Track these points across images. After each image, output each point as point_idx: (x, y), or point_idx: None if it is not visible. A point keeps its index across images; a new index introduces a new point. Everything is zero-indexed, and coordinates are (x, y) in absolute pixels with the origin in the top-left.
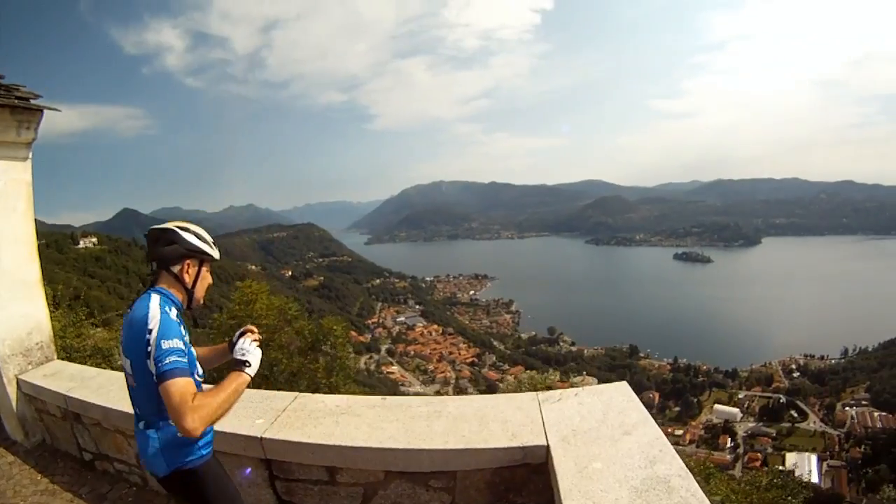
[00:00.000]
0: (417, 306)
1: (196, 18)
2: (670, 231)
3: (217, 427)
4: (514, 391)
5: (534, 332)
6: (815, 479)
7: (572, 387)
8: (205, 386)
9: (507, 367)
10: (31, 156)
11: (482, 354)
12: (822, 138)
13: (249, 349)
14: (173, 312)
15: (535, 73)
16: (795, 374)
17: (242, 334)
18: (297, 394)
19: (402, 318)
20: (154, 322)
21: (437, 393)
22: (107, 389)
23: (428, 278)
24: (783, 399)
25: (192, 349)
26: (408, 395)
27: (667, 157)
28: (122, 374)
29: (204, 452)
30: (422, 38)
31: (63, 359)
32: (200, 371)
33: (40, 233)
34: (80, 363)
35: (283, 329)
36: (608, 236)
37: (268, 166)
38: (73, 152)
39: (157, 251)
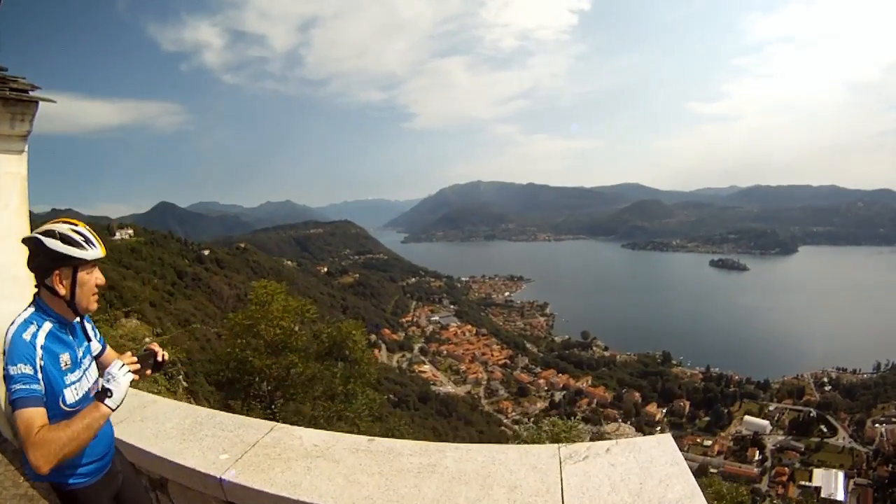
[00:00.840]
0: (452, 306)
1: (233, 16)
2: (707, 237)
3: (177, 458)
4: (532, 440)
5: (567, 336)
6: (840, 496)
7: (602, 438)
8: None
9: (539, 369)
10: (26, 149)
11: (515, 356)
12: (859, 144)
13: (116, 376)
14: (32, 331)
15: (573, 73)
16: (827, 388)
17: (142, 356)
18: (273, 424)
19: (436, 318)
20: (6, 345)
21: (469, 393)
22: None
23: (463, 278)
24: (813, 413)
25: (66, 373)
26: (439, 394)
27: (705, 160)
28: None
29: (83, 480)
30: (460, 38)
31: None
32: (69, 397)
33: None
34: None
35: (300, 332)
36: (645, 241)
37: (306, 163)
38: (112, 146)
39: (29, 265)
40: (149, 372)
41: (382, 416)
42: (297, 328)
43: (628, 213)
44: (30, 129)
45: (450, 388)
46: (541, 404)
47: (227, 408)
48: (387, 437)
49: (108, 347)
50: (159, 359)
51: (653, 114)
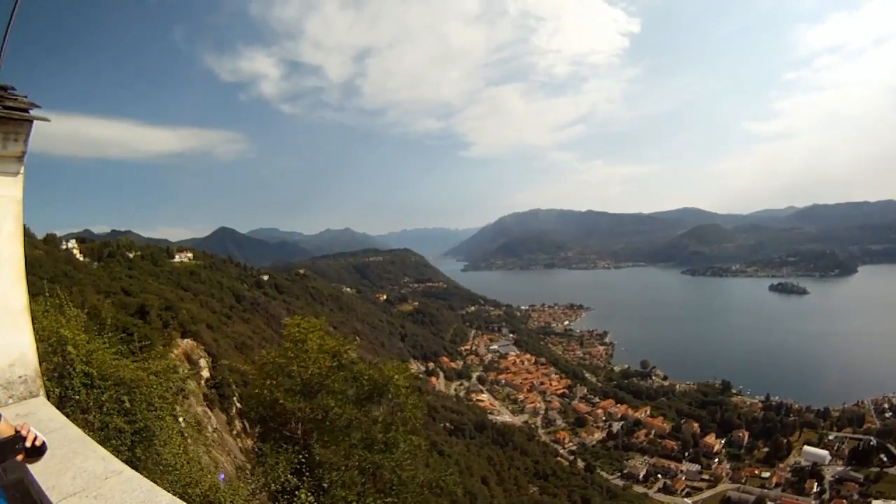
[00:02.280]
0: (511, 335)
1: (289, 47)
2: (766, 260)
3: None
4: None
5: (627, 365)
6: None
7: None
8: None
9: (597, 399)
10: (22, 171)
11: (573, 386)
12: None
13: None
14: None
15: (628, 97)
16: (888, 414)
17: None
18: None
19: (495, 346)
20: None
21: (526, 423)
22: (50, 454)
23: (523, 307)
24: (874, 441)
25: None
26: (496, 423)
27: (762, 181)
28: (83, 433)
29: None
30: (513, 65)
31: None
32: None
33: (137, 245)
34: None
35: (338, 373)
36: (704, 266)
37: (365, 191)
38: (173, 172)
39: None
40: (20, 457)
41: (429, 463)
42: (334, 367)
43: (687, 239)
44: (24, 150)
45: (507, 418)
46: (598, 434)
47: (258, 451)
48: (432, 487)
49: None
50: (28, 444)
51: (708, 135)
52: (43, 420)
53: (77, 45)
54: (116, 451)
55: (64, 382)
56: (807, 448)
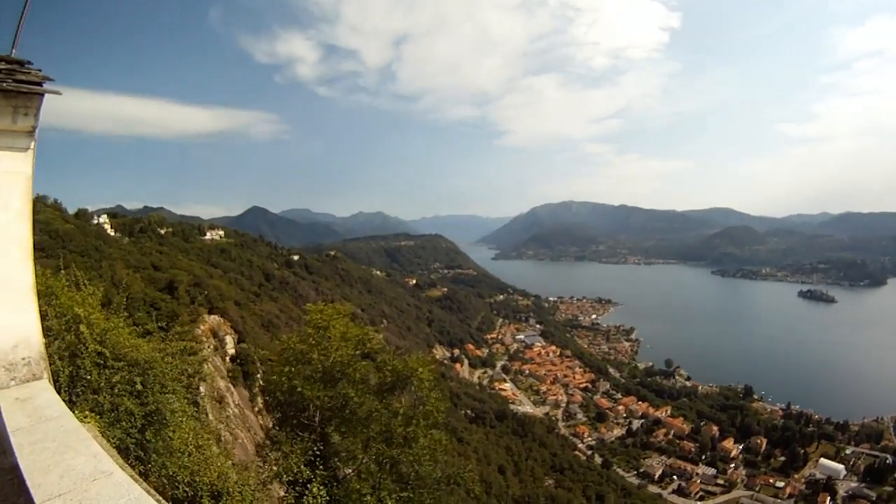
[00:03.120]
0: (538, 325)
1: (326, 31)
2: (796, 266)
3: None
4: None
5: (651, 363)
6: None
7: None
8: None
9: (619, 395)
10: (32, 146)
11: (597, 380)
12: None
13: None
14: None
15: (666, 93)
16: None
17: None
18: None
19: (521, 336)
20: None
21: (547, 415)
22: (42, 445)
23: (551, 298)
24: (890, 460)
25: None
26: (516, 413)
27: (796, 184)
28: (82, 425)
29: None
30: (552, 56)
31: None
32: None
33: (169, 222)
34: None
35: (360, 362)
36: (734, 268)
37: (399, 176)
38: (207, 150)
39: None
40: None
41: (448, 459)
42: (356, 356)
43: (719, 239)
44: (35, 125)
45: (528, 409)
46: (618, 431)
47: (273, 438)
48: (448, 483)
49: None
50: None
51: (743, 135)
52: (40, 406)
53: (114, 24)
54: (126, 434)
55: (76, 362)
56: (823, 461)
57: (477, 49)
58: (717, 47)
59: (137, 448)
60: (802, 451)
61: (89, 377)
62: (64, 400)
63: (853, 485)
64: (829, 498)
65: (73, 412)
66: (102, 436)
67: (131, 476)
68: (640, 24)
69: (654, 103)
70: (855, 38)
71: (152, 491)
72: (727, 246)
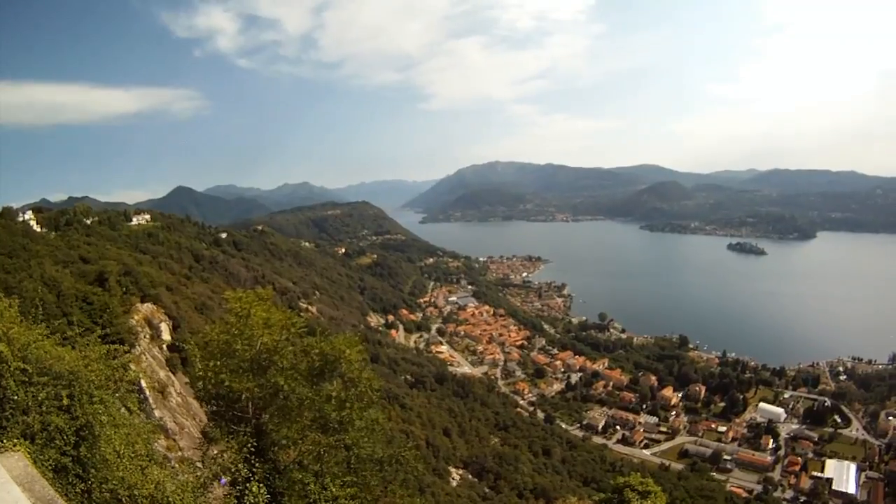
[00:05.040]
0: (470, 286)
1: (246, 1)
2: (725, 220)
3: None
4: None
5: (585, 318)
6: (852, 489)
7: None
8: None
9: (556, 351)
10: None
11: (532, 338)
12: (883, 131)
13: None
14: None
15: (593, 53)
16: (842, 377)
17: None
18: None
19: (453, 298)
20: None
21: (486, 374)
22: None
23: (481, 259)
24: (828, 402)
25: None
26: (456, 375)
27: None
28: (5, 459)
29: None
30: (475, 18)
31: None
32: None
33: (94, 211)
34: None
35: (287, 348)
36: (663, 222)
37: (323, 145)
38: (129, 133)
39: None
40: None
41: (391, 440)
42: (283, 342)
43: (647, 195)
44: None
45: (467, 369)
46: (557, 386)
47: (205, 436)
48: (391, 463)
49: None
50: None
51: (672, 95)
52: None
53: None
54: (61, 453)
55: (1, 383)
56: (762, 405)
57: (400, 13)
58: (646, 8)
59: (76, 465)
60: (741, 397)
61: (16, 397)
62: None
63: (794, 427)
64: (772, 440)
65: (2, 441)
66: (34, 462)
67: None
68: None
69: (580, 64)
70: (785, 2)
71: None
72: (655, 201)
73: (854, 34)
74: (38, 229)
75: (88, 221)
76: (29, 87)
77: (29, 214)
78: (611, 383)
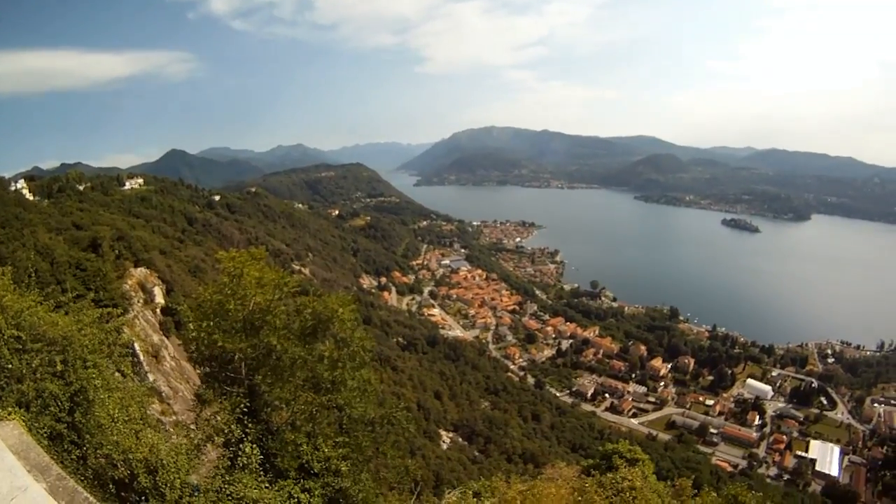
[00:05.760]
0: (463, 250)
1: None
2: (720, 195)
3: None
4: None
5: (576, 285)
6: (834, 471)
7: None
8: None
9: (547, 317)
10: None
11: (524, 303)
12: (881, 121)
13: None
14: None
15: (593, 22)
16: (830, 360)
17: None
18: None
19: (446, 261)
20: None
21: (477, 338)
22: None
23: (475, 222)
24: (815, 384)
25: None
26: (447, 338)
27: (722, 120)
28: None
29: None
30: None
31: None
32: None
33: (87, 177)
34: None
35: (280, 308)
36: (658, 194)
37: (317, 107)
38: (121, 97)
39: None
40: None
41: (382, 401)
42: (275, 301)
43: (643, 166)
44: None
45: (458, 333)
46: (548, 352)
47: (198, 398)
48: (383, 423)
49: None
50: None
51: (672, 68)
52: None
53: None
54: (56, 420)
55: None
56: (750, 381)
57: None
58: None
59: (71, 432)
60: (730, 372)
61: (11, 365)
62: None
63: (781, 405)
64: (758, 416)
65: None
66: (29, 430)
67: (50, 486)
68: None
69: (580, 32)
70: None
71: (79, 489)
72: (651, 172)
73: (856, 25)
74: (31, 198)
75: (81, 187)
76: (18, 54)
77: (21, 183)
78: (601, 351)
